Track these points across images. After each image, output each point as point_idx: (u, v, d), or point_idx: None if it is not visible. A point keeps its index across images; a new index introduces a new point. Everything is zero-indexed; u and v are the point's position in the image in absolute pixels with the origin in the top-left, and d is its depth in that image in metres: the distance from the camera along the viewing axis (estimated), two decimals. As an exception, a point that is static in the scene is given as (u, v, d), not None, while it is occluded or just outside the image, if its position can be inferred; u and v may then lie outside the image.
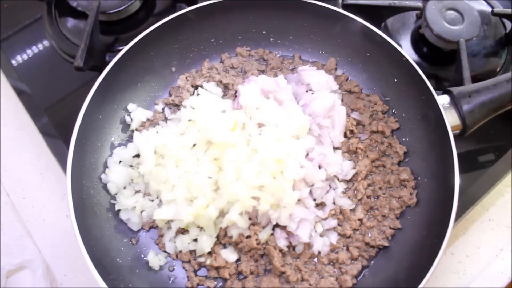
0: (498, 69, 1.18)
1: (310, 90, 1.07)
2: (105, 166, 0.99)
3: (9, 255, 1.04)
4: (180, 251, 0.95)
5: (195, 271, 0.94)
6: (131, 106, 1.05)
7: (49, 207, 1.09)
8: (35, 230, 1.07)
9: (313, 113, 1.01)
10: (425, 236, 0.91)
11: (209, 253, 0.94)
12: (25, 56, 1.22)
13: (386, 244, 0.94)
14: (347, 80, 1.11)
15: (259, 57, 1.14)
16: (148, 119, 1.07)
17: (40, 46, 1.23)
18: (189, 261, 0.95)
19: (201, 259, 0.94)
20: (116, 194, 0.98)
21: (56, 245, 1.05)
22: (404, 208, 0.96)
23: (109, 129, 1.02)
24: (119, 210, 0.97)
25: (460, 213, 1.03)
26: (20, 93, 1.18)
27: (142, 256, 0.95)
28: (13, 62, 1.21)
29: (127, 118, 1.05)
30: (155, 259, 0.94)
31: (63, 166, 1.03)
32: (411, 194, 0.96)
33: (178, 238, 0.96)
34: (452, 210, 0.84)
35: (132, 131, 1.04)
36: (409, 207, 0.97)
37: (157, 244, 0.97)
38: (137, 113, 1.05)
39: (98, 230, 0.92)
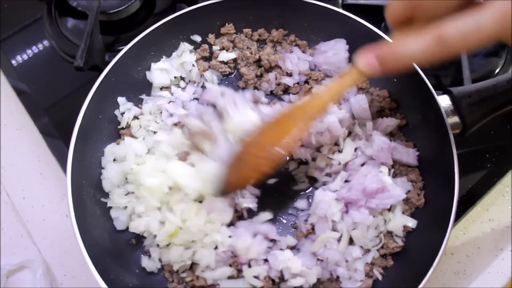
0: (498, 69, 1.18)
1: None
2: (105, 166, 1.00)
3: (9, 255, 1.04)
4: (160, 259, 0.93)
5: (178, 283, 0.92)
6: (120, 99, 1.03)
7: (49, 207, 1.09)
8: (35, 230, 1.07)
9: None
10: (424, 236, 0.91)
11: (191, 268, 0.92)
12: (25, 56, 1.22)
13: (398, 249, 0.92)
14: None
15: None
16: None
17: (40, 46, 1.24)
18: (170, 272, 0.93)
19: (183, 275, 0.92)
20: (109, 191, 0.97)
21: (56, 245, 1.05)
22: (413, 210, 0.95)
23: (109, 129, 1.02)
24: (110, 208, 0.96)
25: (460, 213, 1.03)
26: (20, 93, 1.18)
27: (142, 256, 0.95)
28: (13, 62, 1.21)
29: (116, 112, 1.03)
30: (150, 263, 0.93)
31: (63, 166, 1.03)
32: (418, 195, 0.95)
33: (156, 250, 0.93)
34: (452, 210, 0.84)
35: (122, 128, 1.03)
36: (417, 208, 0.95)
37: (144, 247, 0.95)
38: (126, 108, 1.03)
39: (98, 230, 0.92)
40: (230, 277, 0.91)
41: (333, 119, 0.98)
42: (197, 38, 1.11)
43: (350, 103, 1.02)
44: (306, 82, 1.08)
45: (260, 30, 1.11)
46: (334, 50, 1.05)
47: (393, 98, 1.04)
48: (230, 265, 0.91)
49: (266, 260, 0.90)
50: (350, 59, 1.06)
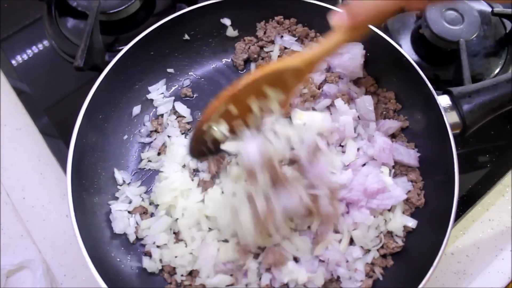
0: (498, 69, 1.18)
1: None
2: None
3: (9, 255, 1.04)
4: (161, 260, 0.93)
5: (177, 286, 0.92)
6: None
7: (49, 207, 1.09)
8: (35, 230, 1.07)
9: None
10: (424, 236, 0.91)
11: (191, 272, 0.92)
12: (25, 56, 1.22)
13: (398, 249, 0.92)
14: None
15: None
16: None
17: (40, 46, 1.23)
18: (169, 273, 0.93)
19: (182, 278, 0.91)
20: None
21: (56, 245, 1.05)
22: (413, 210, 0.95)
23: (109, 129, 1.02)
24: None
25: (460, 213, 1.03)
26: (20, 93, 1.18)
27: (143, 256, 0.95)
28: (13, 62, 1.21)
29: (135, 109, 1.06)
30: (151, 264, 0.93)
31: (63, 166, 1.03)
32: (418, 195, 0.95)
33: (157, 251, 0.94)
34: (452, 210, 0.84)
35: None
36: (417, 208, 0.95)
37: (144, 246, 0.95)
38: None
39: (98, 230, 0.92)
40: (229, 285, 0.90)
41: (348, 119, 0.97)
42: (227, 21, 1.11)
43: (355, 103, 1.02)
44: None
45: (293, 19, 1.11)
46: (350, 54, 1.04)
47: (397, 100, 1.04)
48: (231, 275, 0.90)
49: (268, 269, 0.90)
50: (365, 65, 1.05)
